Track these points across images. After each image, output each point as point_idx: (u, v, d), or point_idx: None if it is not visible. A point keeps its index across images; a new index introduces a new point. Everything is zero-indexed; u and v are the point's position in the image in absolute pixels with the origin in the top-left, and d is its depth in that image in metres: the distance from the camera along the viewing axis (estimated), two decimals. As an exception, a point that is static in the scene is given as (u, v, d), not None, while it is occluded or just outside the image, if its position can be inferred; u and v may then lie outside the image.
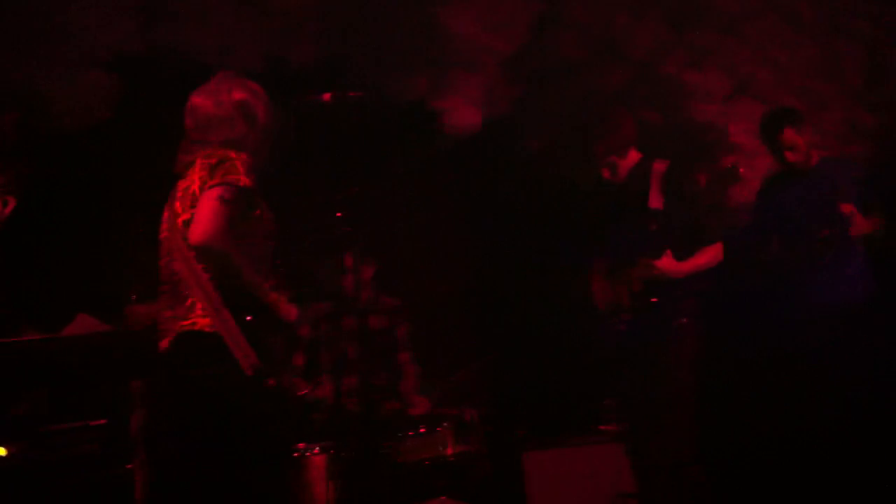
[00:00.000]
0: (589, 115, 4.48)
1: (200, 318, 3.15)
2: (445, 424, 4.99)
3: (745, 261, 4.94)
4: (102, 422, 4.03)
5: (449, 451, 4.95)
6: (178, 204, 3.27)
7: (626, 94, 5.88)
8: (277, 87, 3.56)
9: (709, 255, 4.19)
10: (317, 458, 4.64)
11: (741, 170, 4.10)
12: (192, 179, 3.21)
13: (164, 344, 3.27)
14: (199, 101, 3.34)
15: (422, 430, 4.99)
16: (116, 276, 4.70)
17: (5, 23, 4.16)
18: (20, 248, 3.47)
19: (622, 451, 4.65)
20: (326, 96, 3.37)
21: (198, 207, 3.10)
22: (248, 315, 3.15)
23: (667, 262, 4.08)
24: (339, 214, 3.32)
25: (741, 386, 5.63)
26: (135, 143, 4.93)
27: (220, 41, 4.78)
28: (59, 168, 4.16)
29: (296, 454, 4.66)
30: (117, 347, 3.71)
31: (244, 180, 3.13)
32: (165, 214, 3.35)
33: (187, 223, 3.15)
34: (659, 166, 4.16)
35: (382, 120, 5.31)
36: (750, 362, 5.45)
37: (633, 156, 4.34)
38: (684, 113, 6.04)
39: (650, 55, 5.87)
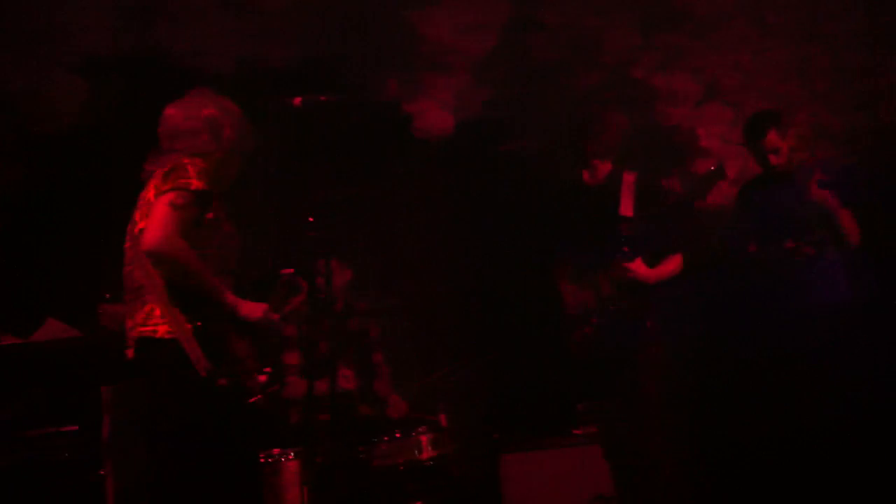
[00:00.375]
0: (583, 114, 4.51)
1: (160, 325, 3.19)
2: (420, 428, 4.98)
3: (725, 263, 5.00)
4: (74, 428, 3.99)
5: (424, 455, 4.93)
6: (137, 213, 3.35)
7: (597, 97, 5.93)
8: (253, 90, 3.59)
9: (674, 264, 4.28)
10: (290, 463, 4.61)
11: (712, 167, 4.15)
12: (149, 188, 3.30)
13: (130, 348, 3.31)
14: (171, 112, 3.44)
15: (397, 435, 4.97)
16: (89, 276, 4.66)
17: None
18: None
19: (599, 454, 4.66)
20: (297, 100, 3.42)
21: (150, 214, 3.18)
22: (205, 317, 3.18)
23: (638, 267, 4.17)
24: (310, 219, 3.33)
25: (736, 386, 5.67)
26: (107, 147, 4.90)
27: (200, 44, 4.75)
28: (31, 171, 4.12)
29: (269, 459, 4.63)
30: (86, 353, 3.67)
31: (195, 183, 3.19)
32: (130, 224, 3.41)
33: (143, 231, 3.21)
34: (629, 177, 4.24)
35: (359, 122, 5.31)
36: (743, 362, 5.50)
37: (608, 163, 4.37)
38: (653, 116, 6.09)
39: (620, 58, 5.91)
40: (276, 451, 4.70)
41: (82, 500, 4.03)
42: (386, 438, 4.95)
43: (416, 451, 4.93)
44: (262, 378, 3.42)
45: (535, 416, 5.78)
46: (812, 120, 6.15)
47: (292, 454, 4.61)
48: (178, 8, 4.57)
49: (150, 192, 3.27)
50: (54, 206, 4.79)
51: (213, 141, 3.39)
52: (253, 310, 3.32)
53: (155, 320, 3.20)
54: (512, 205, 6.23)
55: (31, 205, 4.61)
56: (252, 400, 3.52)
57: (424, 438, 4.97)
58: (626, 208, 4.17)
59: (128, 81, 4.76)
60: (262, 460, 4.63)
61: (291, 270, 3.46)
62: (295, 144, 3.60)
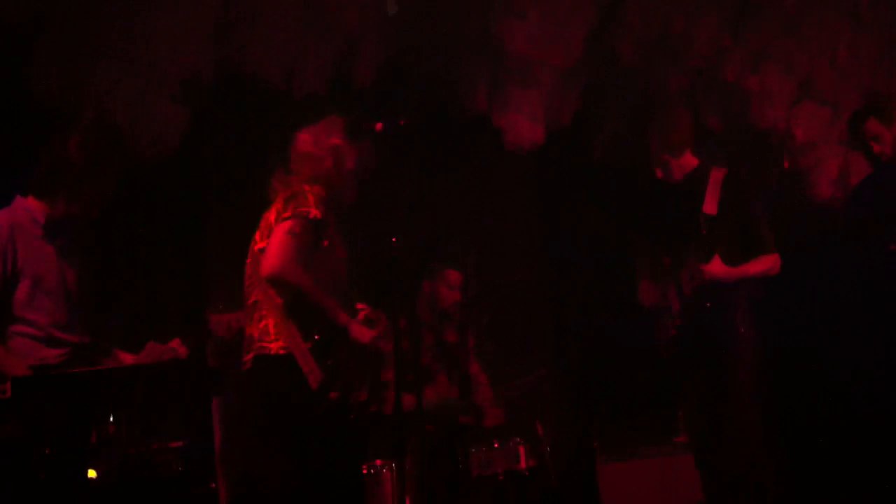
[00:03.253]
0: (648, 113, 4.48)
1: (273, 342, 3.36)
2: (518, 438, 5.02)
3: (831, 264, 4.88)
4: (184, 443, 4.12)
5: (522, 464, 4.97)
6: (258, 234, 3.53)
7: (687, 101, 5.86)
8: (339, 109, 3.71)
9: (764, 265, 4.08)
10: (391, 474, 4.70)
11: (786, 164, 4.03)
12: (271, 210, 3.49)
13: (244, 364, 3.47)
14: (304, 137, 3.63)
15: (495, 444, 5.02)
16: (195, 290, 4.88)
17: (79, 51, 4.33)
18: (102, 272, 3.64)
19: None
20: (378, 126, 3.49)
21: (270, 240, 3.38)
22: (321, 334, 3.35)
23: (715, 267, 3.99)
24: (393, 240, 3.42)
25: (831, 394, 5.55)
26: (208, 169, 5.10)
27: (285, 64, 4.88)
28: (134, 195, 4.32)
29: (371, 470, 4.72)
30: (190, 370, 3.80)
31: (314, 212, 3.38)
32: (252, 241, 3.59)
33: (262, 251, 3.42)
34: (717, 173, 4.11)
35: (444, 138, 5.40)
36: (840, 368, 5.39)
37: (690, 160, 4.28)
38: (746, 118, 5.99)
39: (710, 61, 5.84)
40: (378, 462, 4.80)
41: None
42: (484, 448, 5.00)
43: (515, 460, 4.98)
44: (363, 397, 3.53)
45: (633, 424, 5.74)
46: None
47: (393, 465, 4.70)
48: (268, 32, 4.70)
49: (271, 215, 3.46)
50: (160, 226, 5.00)
51: (335, 169, 3.56)
52: (363, 332, 3.48)
53: (269, 337, 3.37)
54: (601, 208, 6.22)
55: (136, 225, 4.83)
56: (353, 416, 3.63)
57: (522, 448, 5.01)
58: (711, 206, 4.03)
59: (224, 106, 4.93)
60: (364, 471, 4.75)
61: (366, 307, 3.57)
62: (381, 167, 3.71)
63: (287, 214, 3.36)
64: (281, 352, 3.32)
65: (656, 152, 4.27)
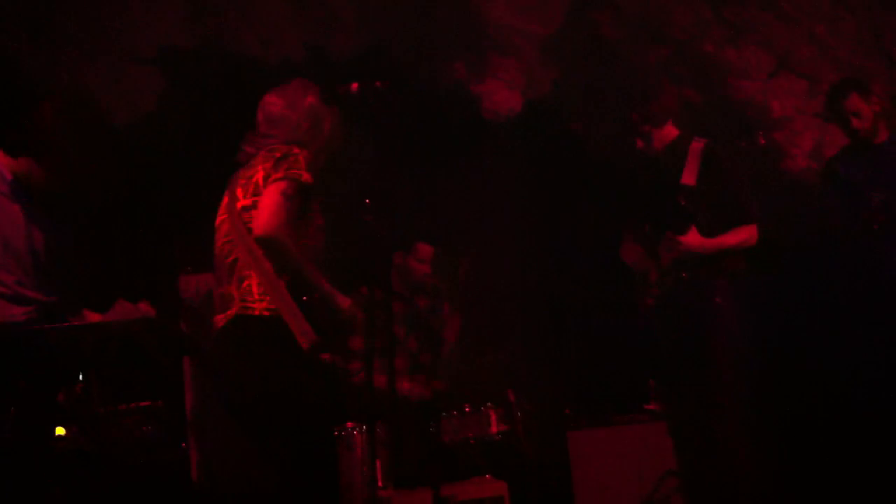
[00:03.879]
0: (628, 85, 4.45)
1: (258, 302, 3.29)
2: (489, 404, 5.06)
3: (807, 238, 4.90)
4: (154, 402, 4.15)
5: (493, 429, 5.02)
6: (239, 190, 3.44)
7: (665, 73, 5.87)
8: (317, 78, 3.68)
9: (741, 235, 4.08)
10: (361, 437, 4.74)
11: (762, 140, 4.03)
12: (256, 169, 3.39)
13: (220, 321, 3.41)
14: (273, 99, 3.54)
15: (466, 409, 5.07)
16: (167, 253, 4.88)
17: (53, 20, 4.32)
18: (74, 236, 3.63)
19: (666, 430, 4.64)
20: (354, 86, 3.46)
21: (262, 199, 3.30)
22: (305, 297, 3.32)
23: (691, 238, 3.99)
24: (367, 201, 3.45)
25: (808, 364, 5.59)
26: (182, 134, 5.10)
27: (262, 33, 4.88)
28: (108, 159, 4.30)
29: (343, 433, 4.76)
30: (162, 330, 3.80)
31: (305, 176, 3.31)
32: (225, 200, 3.52)
33: (247, 209, 3.35)
34: (696, 144, 4.09)
35: (420, 106, 5.40)
36: (816, 340, 5.42)
37: (671, 130, 4.28)
38: (724, 90, 6.01)
39: (689, 33, 5.85)
40: (349, 424, 4.84)
41: (167, 474, 4.19)
42: (456, 413, 5.05)
43: (486, 426, 5.02)
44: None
45: (605, 391, 5.80)
46: (890, 90, 5.99)
47: (364, 429, 4.74)
48: (244, 1, 4.71)
49: (258, 174, 3.37)
50: (132, 191, 5.01)
51: (313, 132, 3.50)
52: (344, 299, 3.42)
53: (252, 297, 3.30)
54: (580, 179, 6.24)
55: (110, 191, 4.83)
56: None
57: (493, 413, 5.06)
58: (689, 176, 4.02)
59: (200, 71, 4.93)
60: (335, 434, 4.79)
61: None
62: (355, 132, 3.68)
63: (279, 175, 3.29)
64: (266, 313, 3.26)
65: (638, 122, 4.27)
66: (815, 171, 5.97)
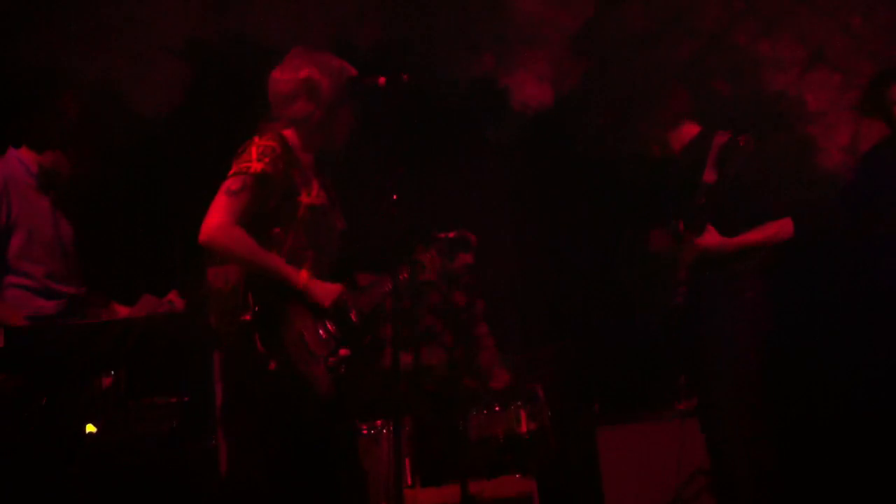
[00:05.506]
0: (637, 91, 4.37)
1: None
2: (519, 402, 5.02)
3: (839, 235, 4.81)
4: (184, 398, 4.12)
5: (522, 427, 4.97)
6: None
7: (696, 66, 5.80)
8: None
9: (769, 231, 3.99)
10: (389, 433, 4.70)
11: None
12: None
13: (247, 316, 3.25)
14: (275, 76, 3.33)
15: (496, 407, 5.02)
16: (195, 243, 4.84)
17: (81, 12, 4.30)
18: (102, 228, 3.62)
19: (696, 428, 4.58)
20: (381, 80, 3.26)
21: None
22: (268, 301, 3.12)
23: (709, 238, 3.93)
24: (394, 197, 3.17)
25: (833, 364, 5.52)
26: (207, 127, 5.07)
27: (288, 25, 4.84)
28: (136, 151, 4.30)
29: (371, 430, 4.73)
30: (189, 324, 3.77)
31: (255, 166, 3.09)
32: None
33: None
34: (720, 138, 3.95)
35: (447, 99, 5.35)
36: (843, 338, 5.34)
37: (690, 129, 4.20)
38: (757, 83, 5.92)
39: (721, 24, 5.77)
40: (378, 422, 4.80)
41: (194, 469, 4.17)
42: (485, 411, 5.00)
43: (515, 423, 4.97)
44: (333, 359, 3.32)
45: (635, 388, 5.74)
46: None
47: (391, 424, 4.70)
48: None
49: None
50: (158, 183, 4.99)
51: (311, 102, 3.25)
52: (326, 294, 3.23)
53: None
54: (608, 176, 6.18)
55: (136, 182, 4.83)
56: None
57: (523, 411, 5.01)
58: (711, 173, 3.90)
59: (226, 63, 4.89)
60: (363, 431, 4.75)
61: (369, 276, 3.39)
62: (383, 125, 3.56)
63: (231, 171, 3.11)
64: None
65: (647, 131, 4.21)
66: (850, 166, 5.89)
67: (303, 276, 3.18)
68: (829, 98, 5.99)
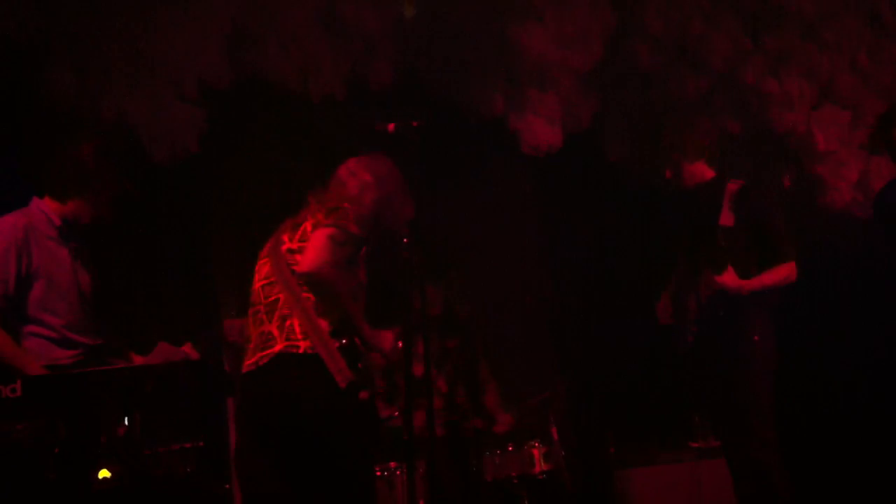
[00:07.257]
0: (666, 118, 4.45)
1: (301, 341, 3.35)
2: (533, 442, 5.00)
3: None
4: (198, 443, 4.12)
5: (537, 468, 4.95)
6: (285, 235, 3.54)
7: (705, 104, 5.83)
8: (357, 110, 3.67)
9: (780, 274, 4.09)
10: (404, 476, 4.69)
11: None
12: (306, 217, 3.52)
13: (254, 362, 3.44)
14: (349, 164, 3.72)
15: (510, 448, 5.01)
16: (210, 295, 4.88)
17: (97, 53, 4.35)
18: (115, 275, 3.65)
19: (715, 467, 4.57)
20: (391, 126, 3.47)
21: (310, 241, 3.40)
22: (348, 337, 3.40)
23: (728, 279, 4.00)
24: (405, 240, 3.46)
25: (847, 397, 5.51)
26: (222, 173, 5.12)
27: (301, 64, 4.89)
28: (150, 197, 4.33)
29: (385, 472, 4.72)
30: (203, 371, 3.81)
31: (353, 227, 3.43)
32: (268, 244, 3.60)
33: (292, 251, 3.45)
34: (732, 186, 4.09)
35: (459, 140, 5.39)
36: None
37: (704, 170, 4.28)
38: (767, 121, 5.94)
39: (729, 63, 5.80)
40: (392, 464, 4.79)
41: (209, 514, 4.16)
42: (499, 452, 4.99)
43: (529, 465, 4.96)
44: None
45: (649, 429, 5.72)
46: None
47: (405, 467, 4.69)
48: (285, 33, 4.71)
49: (307, 222, 3.49)
50: (175, 228, 5.02)
51: (359, 203, 3.57)
52: (386, 338, 3.54)
53: (296, 336, 3.36)
54: (618, 213, 6.19)
55: (150, 228, 4.86)
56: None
57: (537, 452, 4.99)
58: (727, 217, 4.02)
59: (241, 107, 4.94)
60: (378, 473, 4.74)
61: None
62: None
63: (328, 222, 3.41)
64: (309, 351, 3.32)
65: (668, 151, 4.27)
66: (861, 204, 5.89)
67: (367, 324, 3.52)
68: (838, 136, 6.01)
